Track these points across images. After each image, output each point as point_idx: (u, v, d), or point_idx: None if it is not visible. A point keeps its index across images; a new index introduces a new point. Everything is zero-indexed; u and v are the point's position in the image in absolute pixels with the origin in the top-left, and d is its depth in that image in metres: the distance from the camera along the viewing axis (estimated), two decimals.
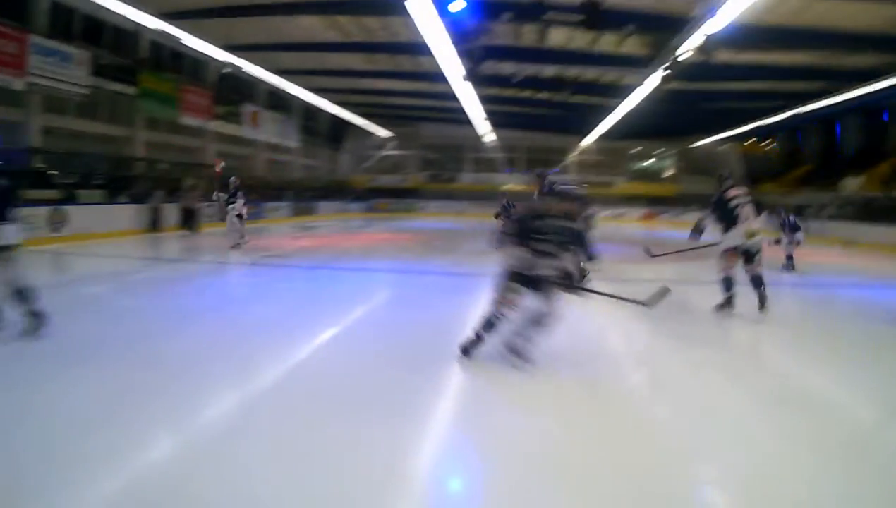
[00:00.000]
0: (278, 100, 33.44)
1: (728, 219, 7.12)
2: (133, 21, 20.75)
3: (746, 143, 42.55)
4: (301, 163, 39.01)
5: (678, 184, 43.07)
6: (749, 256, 7.09)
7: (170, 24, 20.31)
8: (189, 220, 19.38)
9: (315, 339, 5.85)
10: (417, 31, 19.78)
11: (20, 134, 18.52)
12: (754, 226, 7.06)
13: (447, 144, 45.78)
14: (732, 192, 7.21)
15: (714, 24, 14.38)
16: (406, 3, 15.23)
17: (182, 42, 22.42)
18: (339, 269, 11.30)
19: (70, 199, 16.36)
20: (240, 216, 14.06)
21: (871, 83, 22.19)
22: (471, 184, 43.91)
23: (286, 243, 17.18)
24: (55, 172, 17.64)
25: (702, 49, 15.46)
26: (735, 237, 7.08)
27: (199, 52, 24.05)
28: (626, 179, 44.83)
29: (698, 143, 42.21)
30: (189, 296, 8.29)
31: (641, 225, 36.31)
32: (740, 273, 7.23)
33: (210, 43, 21.69)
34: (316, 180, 39.39)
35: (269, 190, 30.19)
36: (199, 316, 6.85)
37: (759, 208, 7.49)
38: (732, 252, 7.15)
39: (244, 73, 26.93)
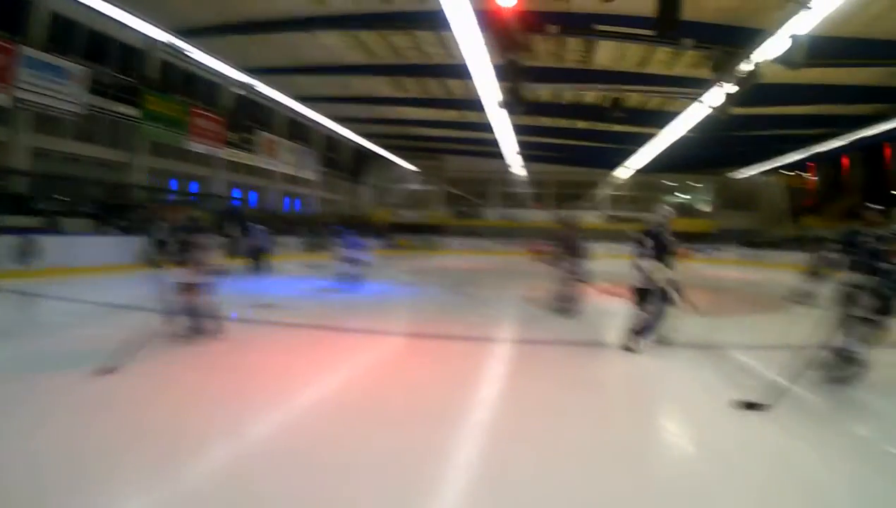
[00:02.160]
0: (297, 129, 31.68)
1: None
2: (142, 37, 19.20)
3: (787, 175, 40.14)
4: (319, 196, 37.02)
5: (715, 218, 40.66)
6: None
7: (183, 41, 18.63)
8: (257, 258, 17.05)
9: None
10: (450, 49, 17.88)
11: (4, 154, 16.64)
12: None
13: (473, 178, 43.83)
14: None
15: (794, 33, 12.42)
16: (443, 13, 13.38)
17: (194, 62, 20.78)
18: (336, 331, 8.55)
19: (51, 228, 14.29)
20: None
21: None
22: (496, 221, 41.71)
23: (287, 286, 14.38)
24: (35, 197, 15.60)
25: (785, 60, 13.20)
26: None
27: (211, 73, 22.45)
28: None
29: (736, 175, 40.04)
30: (104, 379, 5.17)
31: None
32: None
33: (225, 64, 19.95)
34: (334, 215, 37.30)
35: (282, 224, 28.14)
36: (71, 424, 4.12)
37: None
38: None
39: (261, 97, 25.17)
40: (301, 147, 31.78)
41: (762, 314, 11.87)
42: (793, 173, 39.89)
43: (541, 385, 5.71)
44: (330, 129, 31.62)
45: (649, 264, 7.08)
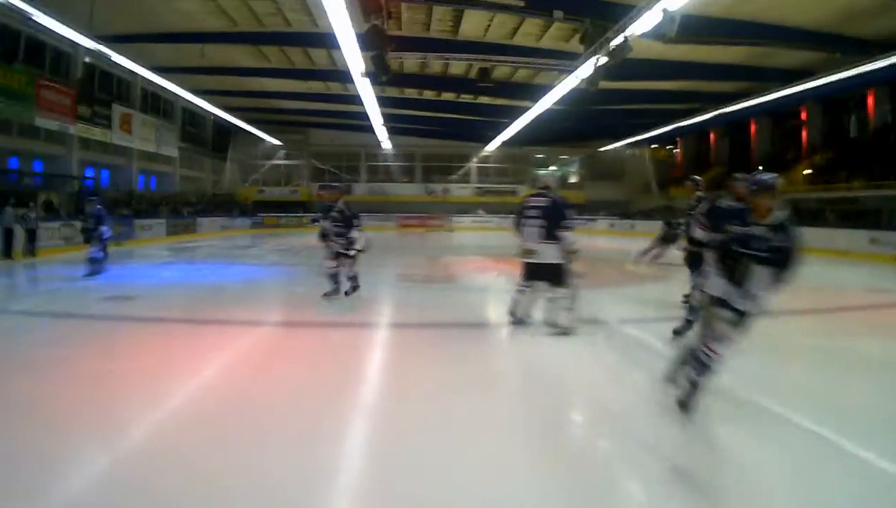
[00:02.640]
0: (156, 103, 30.22)
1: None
2: None
3: (653, 148, 42.82)
4: (181, 175, 35.43)
5: (583, 190, 43.04)
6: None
7: (26, 3, 17.28)
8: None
9: None
10: (314, 16, 17.84)
11: None
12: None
13: (340, 152, 43.90)
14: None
15: (666, 8, 13.43)
16: None
17: (40, 27, 19.27)
18: (198, 323, 7.75)
19: None
20: None
21: (790, 85, 22.14)
22: (365, 196, 41.84)
23: (147, 274, 13.23)
24: None
25: (657, 34, 14.28)
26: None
27: (60, 39, 20.84)
28: (528, 187, 44.23)
29: (604, 149, 42.36)
30: None
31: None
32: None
33: (75, 31, 18.70)
34: (197, 193, 35.98)
35: (141, 205, 26.82)
36: None
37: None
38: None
39: (116, 67, 23.76)
40: (161, 121, 30.39)
41: (639, 284, 12.26)
42: (659, 146, 42.66)
43: (430, 371, 5.45)
44: (191, 103, 30.40)
45: (571, 237, 6.49)
